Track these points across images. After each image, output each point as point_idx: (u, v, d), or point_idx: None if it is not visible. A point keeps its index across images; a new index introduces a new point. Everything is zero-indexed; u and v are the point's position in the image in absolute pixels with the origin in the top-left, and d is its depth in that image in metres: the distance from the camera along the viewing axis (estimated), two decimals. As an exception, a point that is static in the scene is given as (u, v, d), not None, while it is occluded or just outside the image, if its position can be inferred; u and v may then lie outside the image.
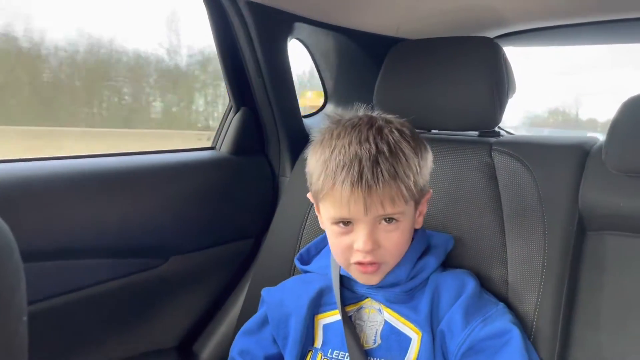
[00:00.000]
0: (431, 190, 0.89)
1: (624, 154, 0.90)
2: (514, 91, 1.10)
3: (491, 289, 0.92)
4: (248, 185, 1.28)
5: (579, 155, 0.97)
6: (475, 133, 1.13)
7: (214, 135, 1.33)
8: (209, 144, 1.32)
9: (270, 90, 1.23)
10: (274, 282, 1.01)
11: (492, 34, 1.41)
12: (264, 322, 0.97)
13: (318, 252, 1.00)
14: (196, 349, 1.20)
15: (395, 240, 0.81)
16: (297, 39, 1.43)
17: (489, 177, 1.00)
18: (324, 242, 1.00)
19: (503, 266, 0.93)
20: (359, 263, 0.81)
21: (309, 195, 0.90)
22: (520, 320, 0.87)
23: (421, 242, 0.89)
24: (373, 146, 0.78)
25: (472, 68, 1.05)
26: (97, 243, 1.00)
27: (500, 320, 0.82)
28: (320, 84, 1.58)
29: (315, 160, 0.84)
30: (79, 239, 0.97)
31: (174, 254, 1.13)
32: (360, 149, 0.78)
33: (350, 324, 0.86)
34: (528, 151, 1.00)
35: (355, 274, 0.85)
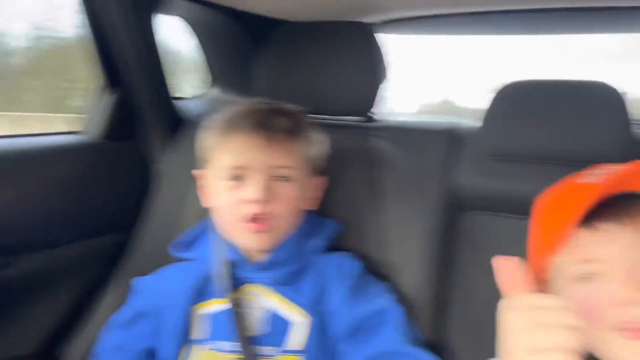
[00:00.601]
0: (326, 178, 0.93)
1: (496, 138, 0.94)
2: (386, 78, 1.11)
3: (373, 270, 0.93)
4: (118, 172, 1.18)
5: (453, 140, 1.00)
6: (354, 118, 1.13)
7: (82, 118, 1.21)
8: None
9: (140, 70, 1.14)
10: (148, 276, 0.95)
11: (375, 19, 1.42)
12: (138, 314, 0.91)
13: (196, 240, 0.96)
14: (60, 354, 1.10)
15: (287, 196, 0.84)
16: (177, 15, 1.35)
17: (368, 161, 1.00)
18: (203, 229, 0.96)
19: (383, 249, 0.95)
20: (251, 220, 0.81)
21: (195, 172, 0.92)
22: (400, 299, 0.89)
23: (309, 224, 0.90)
24: (274, 106, 0.89)
25: (348, 54, 1.05)
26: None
27: (383, 298, 0.85)
28: (205, 66, 1.51)
29: (213, 125, 0.89)
30: None
31: (33, 250, 1.02)
32: (262, 106, 0.88)
33: (235, 311, 0.83)
34: (404, 136, 1.02)
35: (246, 235, 0.83)
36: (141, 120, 1.21)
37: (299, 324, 0.83)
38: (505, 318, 0.50)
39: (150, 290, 0.92)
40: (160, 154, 1.21)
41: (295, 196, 0.85)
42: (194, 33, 1.44)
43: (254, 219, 0.81)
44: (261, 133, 0.83)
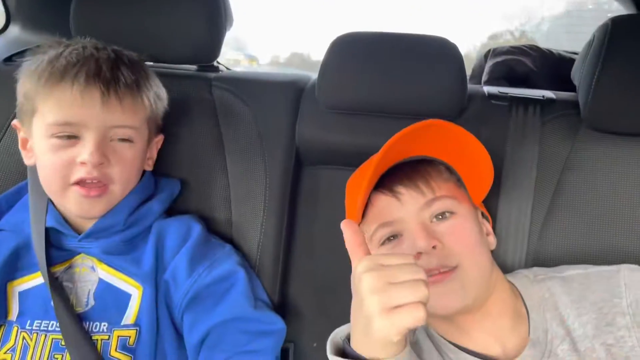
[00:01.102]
0: (162, 135, 0.86)
1: (332, 91, 0.95)
2: (231, 24, 1.04)
3: (217, 231, 0.90)
4: None
5: (294, 92, 0.99)
6: (193, 67, 1.05)
7: None
8: None
9: None
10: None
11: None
12: None
13: (10, 208, 0.83)
14: None
15: (127, 159, 0.76)
16: None
17: (210, 114, 0.95)
18: (17, 195, 0.84)
19: (227, 207, 0.92)
20: (82, 183, 0.72)
21: (14, 122, 0.80)
22: (245, 259, 0.88)
23: (146, 187, 0.83)
24: (112, 53, 0.76)
25: None
26: None
27: (227, 263, 0.81)
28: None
29: (35, 69, 0.75)
30: None
31: None
32: (98, 53, 0.75)
33: (58, 286, 0.74)
34: (247, 88, 0.98)
35: (74, 200, 0.74)
36: None
37: (135, 296, 0.76)
38: (358, 285, 0.51)
39: None
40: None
41: (135, 158, 0.77)
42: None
43: (85, 182, 0.72)
44: (99, 85, 0.72)
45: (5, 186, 0.86)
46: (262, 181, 0.92)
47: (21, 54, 1.05)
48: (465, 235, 0.67)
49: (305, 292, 0.97)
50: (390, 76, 0.92)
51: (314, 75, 1.01)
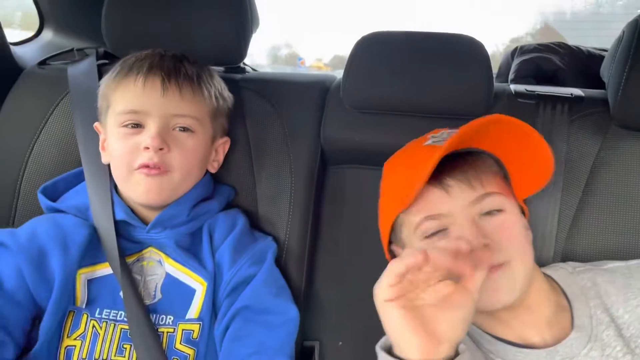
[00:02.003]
0: (228, 138, 0.89)
1: (357, 91, 0.95)
2: (257, 26, 1.06)
3: (254, 225, 0.91)
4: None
5: (319, 92, 1.00)
6: (221, 69, 1.07)
7: None
8: None
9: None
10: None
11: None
12: (13, 279, 0.75)
13: (67, 189, 0.86)
14: None
15: (187, 148, 0.78)
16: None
17: (237, 115, 0.96)
18: (78, 179, 0.87)
19: (254, 206, 0.93)
20: (144, 166, 0.75)
21: (96, 124, 0.85)
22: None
23: (206, 186, 0.86)
24: (177, 54, 0.84)
25: (215, 0, 0.97)
26: None
27: (266, 257, 0.83)
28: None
29: (110, 73, 0.82)
30: None
31: None
32: (164, 52, 0.83)
33: (128, 278, 0.76)
34: (273, 88, 0.99)
35: (138, 182, 0.76)
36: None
37: (199, 291, 0.79)
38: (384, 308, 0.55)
39: (33, 249, 0.76)
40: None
41: (196, 148, 0.80)
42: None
43: (148, 166, 0.76)
44: (161, 74, 0.77)
45: (44, 179, 0.88)
46: (288, 180, 0.93)
47: (54, 57, 1.08)
48: (514, 232, 0.66)
49: (331, 291, 0.98)
50: (416, 75, 0.92)
51: (338, 75, 1.01)
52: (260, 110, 0.97)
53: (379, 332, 0.93)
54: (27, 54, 1.18)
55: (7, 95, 1.00)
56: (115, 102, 0.79)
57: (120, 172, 0.79)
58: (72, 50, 1.07)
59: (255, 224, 0.91)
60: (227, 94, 0.88)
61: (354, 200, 0.99)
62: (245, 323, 0.76)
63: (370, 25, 0.99)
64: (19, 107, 0.99)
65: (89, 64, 0.99)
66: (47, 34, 1.32)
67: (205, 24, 0.97)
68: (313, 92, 1.00)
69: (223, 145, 0.89)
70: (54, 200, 0.83)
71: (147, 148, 0.75)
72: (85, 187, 0.84)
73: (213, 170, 0.88)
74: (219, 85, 0.86)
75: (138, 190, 0.77)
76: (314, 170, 0.95)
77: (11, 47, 1.12)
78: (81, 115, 0.89)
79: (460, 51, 0.92)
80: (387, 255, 0.76)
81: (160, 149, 0.76)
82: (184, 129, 0.79)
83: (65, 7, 1.31)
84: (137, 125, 0.77)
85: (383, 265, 0.93)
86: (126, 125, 0.77)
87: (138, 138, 0.77)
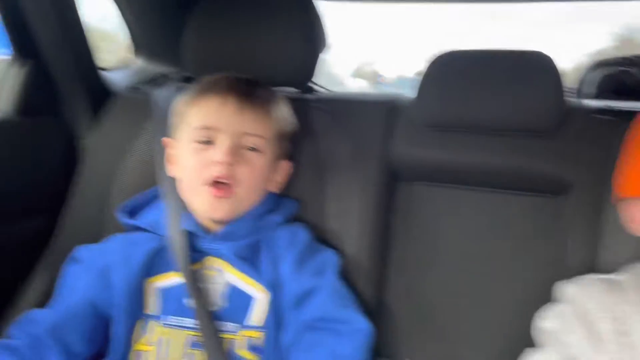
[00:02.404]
0: (291, 163, 0.92)
1: (429, 109, 0.96)
2: (326, 46, 1.10)
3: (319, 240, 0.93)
4: (38, 150, 1.09)
5: (389, 111, 1.01)
6: (293, 90, 1.11)
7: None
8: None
9: (58, 39, 1.05)
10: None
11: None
12: (86, 302, 0.82)
13: (145, 207, 0.92)
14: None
15: (254, 164, 0.83)
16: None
17: (307, 134, 0.99)
18: (153, 197, 0.92)
19: (323, 222, 0.95)
20: (214, 183, 0.80)
21: (164, 139, 0.91)
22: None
23: (269, 201, 0.89)
24: (251, 79, 0.89)
25: (285, 22, 1.02)
26: None
27: (329, 270, 0.84)
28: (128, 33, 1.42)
29: (186, 93, 0.89)
30: None
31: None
32: (237, 76, 0.89)
33: (195, 286, 0.80)
34: (343, 108, 1.02)
35: (205, 199, 0.81)
36: (63, 92, 1.13)
37: (260, 300, 0.82)
38: None
39: (99, 265, 0.84)
40: (86, 128, 1.13)
41: (262, 166, 0.84)
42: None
43: (217, 183, 0.80)
44: (234, 96, 0.83)
45: (127, 199, 0.94)
46: (357, 197, 0.94)
47: (143, 82, 1.18)
48: None
49: (400, 308, 0.97)
50: (487, 92, 0.92)
51: (408, 93, 1.03)
52: (329, 128, 0.99)
53: (449, 349, 0.92)
54: (119, 79, 1.28)
55: (101, 117, 1.08)
56: (190, 118, 0.85)
57: (189, 185, 0.84)
58: (158, 76, 1.16)
59: (323, 239, 0.92)
60: (292, 119, 0.92)
61: (424, 217, 0.99)
62: (314, 334, 0.77)
63: (451, 43, 1.00)
64: (109, 128, 1.07)
65: (170, 88, 1.06)
66: (138, 61, 1.44)
67: (276, 47, 1.01)
68: (382, 110, 1.01)
69: (285, 168, 0.91)
70: (133, 217, 0.90)
71: (218, 162, 0.80)
72: (159, 203, 0.89)
73: (275, 190, 0.91)
74: (286, 109, 0.91)
75: (205, 206, 0.82)
76: (383, 187, 0.96)
77: (104, 72, 1.23)
78: (162, 136, 0.95)
79: (528, 67, 0.90)
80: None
81: (230, 164, 0.80)
82: (253, 149, 0.83)
83: (151, 36, 1.42)
84: (209, 142, 0.82)
85: (452, 282, 0.93)
86: (199, 141, 0.83)
87: (209, 153, 0.81)
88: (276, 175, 0.90)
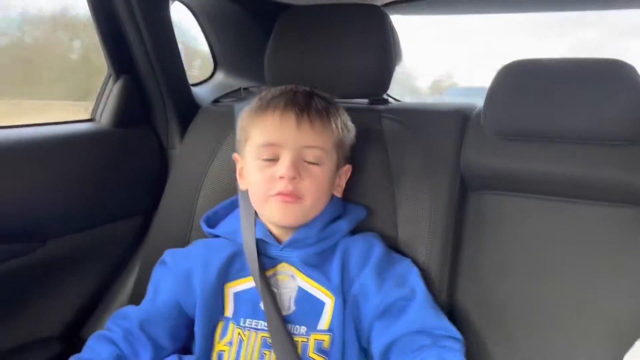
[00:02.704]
0: (350, 166, 0.94)
1: (499, 118, 0.96)
2: (400, 59, 1.12)
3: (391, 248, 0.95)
4: (133, 159, 1.20)
5: (459, 121, 1.02)
6: (365, 101, 1.14)
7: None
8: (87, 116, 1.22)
9: (153, 56, 1.15)
10: (166, 259, 0.96)
11: (379, 1, 1.43)
12: (173, 301, 0.90)
13: (225, 216, 0.98)
14: (84, 335, 1.13)
15: (316, 176, 0.85)
16: (180, 1, 1.35)
17: (379, 143, 1.02)
18: (232, 206, 0.98)
19: (394, 230, 0.97)
20: (280, 193, 0.83)
21: (234, 155, 0.95)
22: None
23: (335, 207, 0.92)
24: (307, 90, 0.91)
25: (360, 36, 1.06)
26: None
27: (410, 277, 0.86)
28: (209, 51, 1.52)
29: (248, 108, 0.91)
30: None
31: (52, 236, 1.04)
32: (296, 88, 0.90)
33: (267, 290, 0.84)
34: (414, 118, 1.04)
35: (274, 207, 0.85)
36: (156, 105, 1.23)
37: (328, 305, 0.84)
38: None
39: (183, 269, 0.90)
40: (176, 139, 1.23)
41: (324, 177, 0.87)
42: (196, 18, 1.44)
43: (283, 193, 0.83)
44: (295, 112, 0.84)
45: (213, 205, 1.01)
46: (427, 205, 0.96)
47: (225, 96, 1.26)
48: None
49: (471, 317, 0.97)
50: (562, 101, 0.91)
51: (479, 103, 1.03)
52: (401, 138, 1.01)
53: (520, 358, 0.91)
54: (203, 94, 1.37)
55: (188, 129, 1.17)
56: (254, 135, 0.87)
57: (258, 198, 0.87)
58: (239, 89, 1.23)
59: (394, 247, 0.94)
60: (350, 125, 0.94)
61: (495, 226, 0.98)
62: (412, 339, 0.78)
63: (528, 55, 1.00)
64: (196, 139, 1.14)
65: (250, 101, 1.13)
66: (220, 76, 1.53)
67: (352, 61, 1.05)
68: (453, 120, 1.02)
69: (346, 172, 0.94)
70: (214, 226, 0.96)
71: (282, 177, 0.83)
72: (236, 213, 0.94)
73: (338, 195, 0.93)
74: (344, 117, 0.92)
75: (274, 213, 0.86)
76: (453, 196, 0.97)
77: (192, 88, 1.32)
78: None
79: (607, 75, 0.88)
80: None
81: (294, 178, 0.83)
82: (314, 162, 0.85)
83: (234, 52, 1.51)
84: (273, 159, 0.85)
85: (525, 292, 0.92)
86: (264, 159, 0.85)
87: (274, 169, 0.84)
88: (340, 180, 0.93)
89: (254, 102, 0.90)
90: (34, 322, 1.06)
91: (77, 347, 1.11)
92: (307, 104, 0.86)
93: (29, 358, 1.04)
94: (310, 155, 0.85)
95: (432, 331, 0.79)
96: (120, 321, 0.88)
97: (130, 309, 0.90)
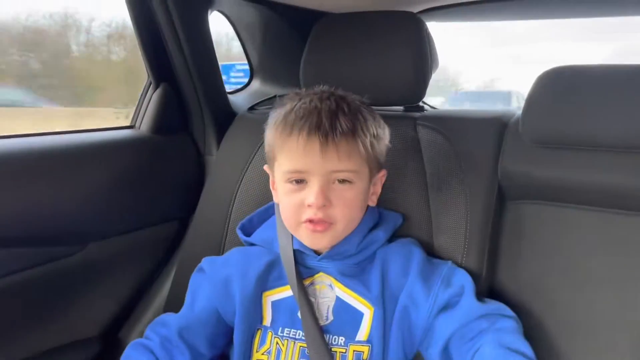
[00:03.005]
0: (385, 171, 0.91)
1: (538, 125, 0.94)
2: (436, 66, 1.11)
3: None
4: (171, 165, 1.23)
5: (497, 128, 1.00)
6: (400, 108, 1.14)
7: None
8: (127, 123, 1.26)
9: (192, 64, 1.17)
10: (202, 264, 0.98)
11: (415, 8, 1.43)
12: (212, 309, 0.91)
13: (261, 223, 0.98)
14: (122, 336, 1.16)
15: (347, 199, 0.82)
16: (219, 11, 1.37)
17: (414, 151, 1.01)
18: (267, 213, 0.98)
19: (428, 237, 0.96)
20: (309, 220, 0.80)
21: (265, 167, 0.92)
22: None
23: (371, 217, 0.90)
24: (333, 103, 0.83)
25: (396, 43, 1.05)
26: (6, 231, 0.93)
27: (455, 275, 0.86)
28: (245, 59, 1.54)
29: (274, 123, 0.85)
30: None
31: (93, 239, 1.07)
32: (321, 104, 0.82)
33: (304, 300, 0.84)
34: (450, 125, 1.02)
35: (304, 235, 0.83)
36: (194, 113, 1.25)
37: (367, 315, 0.84)
38: None
39: (222, 277, 0.90)
40: (213, 145, 1.25)
41: (356, 198, 0.84)
42: (234, 27, 1.46)
43: (313, 220, 0.81)
44: (319, 137, 0.79)
45: (248, 211, 1.02)
46: (463, 214, 0.94)
47: (260, 103, 1.27)
48: None
49: None
50: (607, 108, 0.88)
51: (517, 110, 1.01)
52: (437, 145, 1.00)
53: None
54: (239, 101, 1.39)
55: (224, 136, 1.19)
56: (281, 159, 0.84)
57: (289, 223, 0.85)
58: (274, 96, 1.24)
59: (430, 254, 0.93)
60: (382, 131, 0.88)
61: (534, 237, 0.96)
62: (467, 330, 0.79)
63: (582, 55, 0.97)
64: (232, 146, 1.16)
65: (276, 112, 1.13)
66: (255, 84, 1.56)
67: (388, 68, 1.05)
68: (490, 127, 1.01)
69: (381, 178, 0.91)
70: (250, 233, 0.96)
71: (310, 205, 0.80)
72: (272, 220, 0.95)
73: (372, 204, 0.90)
74: (373, 128, 0.85)
75: (305, 240, 0.84)
76: (490, 205, 0.95)
77: (228, 95, 1.34)
78: None
79: None
80: None
81: (323, 205, 0.80)
82: (345, 181, 0.82)
83: (270, 60, 1.52)
84: (301, 181, 0.82)
85: (566, 307, 0.89)
86: (291, 182, 0.82)
87: (302, 194, 0.81)
88: (375, 188, 0.90)
89: (279, 117, 0.85)
90: (74, 323, 1.09)
91: (115, 348, 1.15)
92: (331, 125, 0.79)
93: (70, 358, 1.07)
94: (340, 176, 0.81)
95: (487, 313, 0.79)
96: (158, 329, 0.89)
97: (169, 317, 0.91)
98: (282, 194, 0.85)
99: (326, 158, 0.79)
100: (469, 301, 0.81)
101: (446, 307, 0.82)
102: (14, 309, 0.98)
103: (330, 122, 0.80)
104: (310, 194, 0.80)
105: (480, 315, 0.79)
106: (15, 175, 0.95)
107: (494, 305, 0.82)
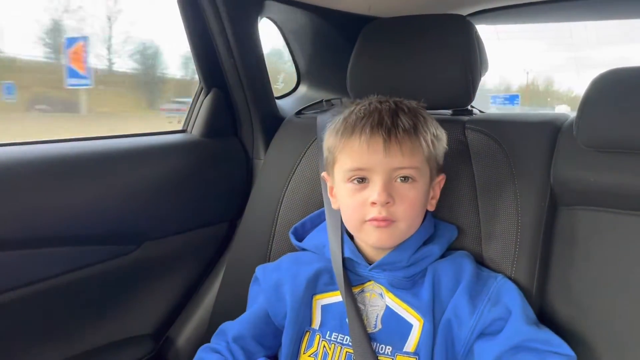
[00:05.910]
0: (444, 175, 0.91)
1: (593, 129, 0.91)
2: (486, 69, 1.10)
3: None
4: (221, 168, 1.26)
5: (550, 132, 0.98)
6: (449, 112, 1.13)
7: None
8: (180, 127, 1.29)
9: (242, 70, 1.20)
10: (250, 265, 1.00)
11: (464, 11, 1.41)
12: (262, 311, 0.93)
13: (313, 228, 0.99)
14: (172, 335, 1.19)
15: (410, 198, 0.82)
16: (268, 17, 1.40)
17: (463, 155, 1.00)
18: (319, 219, 0.99)
19: (477, 243, 0.94)
20: (374, 219, 0.81)
21: (323, 174, 0.94)
22: None
23: (427, 228, 0.90)
24: (393, 104, 0.85)
25: (445, 46, 1.04)
26: (66, 230, 0.97)
27: (503, 294, 0.84)
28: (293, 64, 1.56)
29: (334, 128, 0.87)
30: (46, 227, 0.94)
31: (147, 239, 1.11)
32: (381, 105, 0.84)
33: (353, 306, 0.84)
34: (501, 129, 1.00)
35: (370, 231, 0.83)
36: (243, 117, 1.28)
37: (416, 327, 0.83)
38: None
39: (273, 281, 0.93)
40: (261, 149, 1.27)
41: (418, 197, 0.84)
42: (282, 33, 1.48)
43: (377, 219, 0.81)
44: (381, 134, 0.80)
45: (295, 215, 1.05)
46: (514, 220, 0.92)
47: (307, 108, 1.29)
48: None
49: (561, 337, 0.92)
50: None
51: (571, 114, 0.98)
52: (487, 150, 0.98)
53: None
54: (287, 106, 1.41)
55: (272, 140, 1.21)
56: (341, 159, 0.85)
57: (352, 224, 0.86)
58: (321, 101, 1.26)
59: (479, 262, 0.92)
60: (440, 132, 0.89)
61: (588, 244, 0.92)
62: (515, 354, 0.77)
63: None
64: (279, 149, 1.18)
65: (333, 113, 1.14)
66: (303, 89, 1.57)
67: (437, 71, 1.04)
68: (543, 131, 0.98)
69: (439, 183, 0.90)
70: (302, 238, 0.97)
71: (374, 203, 0.80)
72: (324, 226, 0.95)
73: (431, 209, 0.90)
74: (433, 127, 0.87)
75: (371, 238, 0.84)
76: (542, 211, 0.93)
77: (276, 100, 1.37)
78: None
79: None
80: None
81: (387, 202, 0.80)
82: (405, 179, 0.82)
83: (317, 66, 1.54)
84: (363, 180, 0.82)
85: (622, 317, 0.86)
86: (353, 181, 0.83)
87: (365, 193, 0.81)
88: (434, 192, 0.90)
89: (338, 122, 0.87)
90: (127, 320, 1.13)
91: (165, 346, 1.18)
92: (393, 123, 0.81)
93: (123, 354, 1.11)
94: (402, 174, 0.82)
95: (535, 346, 0.77)
96: (221, 336, 0.93)
97: (227, 325, 0.95)
98: (344, 196, 0.85)
99: (390, 155, 0.80)
100: (516, 325, 0.79)
101: (491, 327, 0.80)
102: (73, 305, 1.03)
103: (392, 120, 0.81)
104: (374, 191, 0.80)
105: (526, 342, 0.77)
106: (77, 177, 0.99)
107: (546, 335, 0.79)
